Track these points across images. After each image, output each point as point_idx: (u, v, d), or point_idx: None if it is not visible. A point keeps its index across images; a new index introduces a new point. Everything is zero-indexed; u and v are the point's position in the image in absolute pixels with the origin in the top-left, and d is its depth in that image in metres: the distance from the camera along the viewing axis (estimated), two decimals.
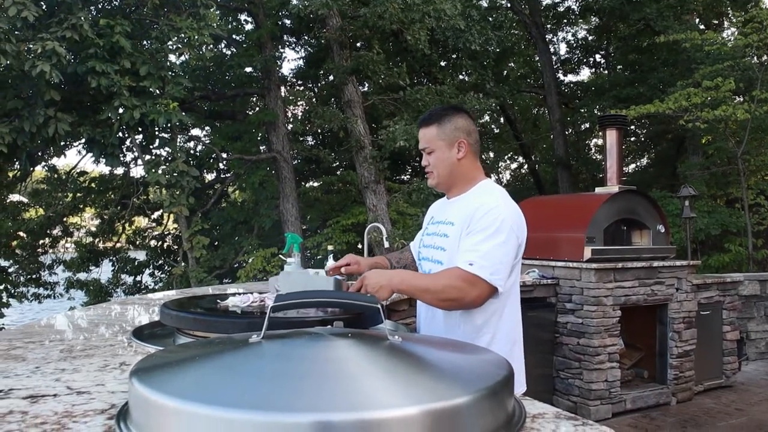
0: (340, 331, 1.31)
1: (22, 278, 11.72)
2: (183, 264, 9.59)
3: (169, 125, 8.42)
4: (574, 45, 16.63)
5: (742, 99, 9.43)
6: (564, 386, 4.96)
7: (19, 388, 1.38)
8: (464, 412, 0.94)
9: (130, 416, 1.06)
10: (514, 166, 20.33)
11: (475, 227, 1.77)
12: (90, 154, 8.90)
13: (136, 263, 12.31)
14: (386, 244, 4.29)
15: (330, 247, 3.88)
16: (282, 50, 13.06)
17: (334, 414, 0.87)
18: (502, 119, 17.00)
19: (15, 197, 12.15)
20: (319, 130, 12.57)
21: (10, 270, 11.52)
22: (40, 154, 9.75)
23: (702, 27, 12.20)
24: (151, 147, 9.81)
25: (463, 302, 1.73)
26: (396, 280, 1.76)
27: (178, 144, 9.52)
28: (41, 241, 11.81)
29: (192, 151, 12.09)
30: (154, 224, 12.89)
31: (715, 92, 8.04)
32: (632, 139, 16.29)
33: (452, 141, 1.89)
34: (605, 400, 4.76)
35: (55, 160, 11.04)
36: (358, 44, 10.90)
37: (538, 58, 15.32)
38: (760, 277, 6.68)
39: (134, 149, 9.56)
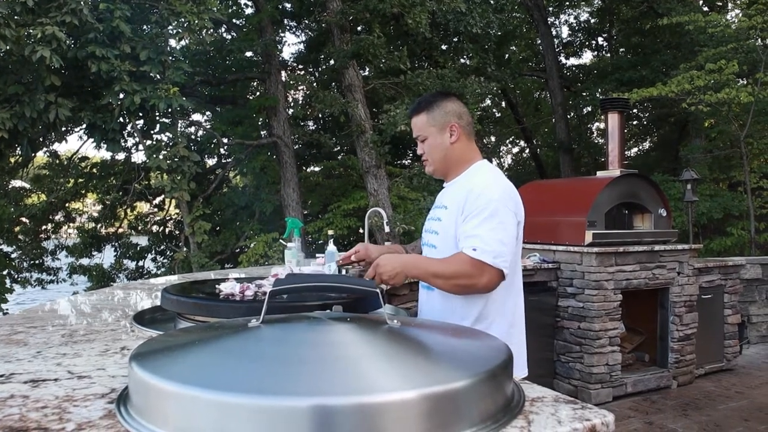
0: (339, 316, 1.31)
1: (25, 264, 11.78)
2: (185, 249, 9.61)
3: (169, 110, 8.39)
4: (577, 28, 16.52)
5: (745, 82, 9.35)
6: (565, 370, 4.98)
7: (20, 372, 1.39)
8: (462, 395, 0.95)
9: (130, 400, 1.07)
10: (515, 150, 20.30)
11: (470, 212, 1.76)
12: (91, 140, 8.87)
13: (138, 248, 12.35)
14: (387, 229, 4.29)
15: (330, 232, 3.88)
16: (282, 34, 13.00)
17: (332, 398, 0.87)
18: (503, 103, 16.92)
19: (17, 183, 12.16)
20: (320, 115, 12.52)
21: (13, 255, 11.57)
22: (41, 139, 9.73)
23: (705, 9, 12.08)
24: (152, 132, 9.78)
25: (475, 288, 1.73)
26: (410, 266, 1.76)
27: (178, 129, 9.50)
28: (44, 227, 11.84)
29: (193, 137, 12.06)
30: (155, 209, 12.90)
31: (719, 75, 7.98)
32: (634, 122, 16.22)
33: (443, 126, 1.89)
34: (606, 383, 4.78)
35: (56, 146, 11.06)
36: (359, 28, 10.82)
37: (539, 42, 15.21)
38: (762, 261, 6.68)
39: (135, 134, 9.54)
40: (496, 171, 1.91)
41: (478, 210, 1.75)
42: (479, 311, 1.83)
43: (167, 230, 12.68)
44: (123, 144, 9.71)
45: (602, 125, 14.21)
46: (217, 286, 2.00)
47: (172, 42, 9.28)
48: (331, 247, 3.01)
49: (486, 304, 1.83)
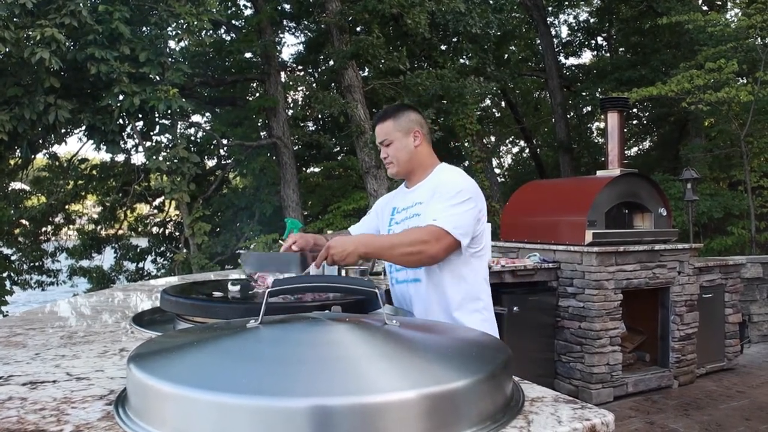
0: (337, 316, 1.31)
1: (25, 266, 11.77)
2: (185, 250, 9.61)
3: (169, 112, 8.38)
4: (576, 27, 16.51)
5: (745, 81, 9.35)
6: (565, 370, 4.98)
7: (18, 374, 1.39)
8: (462, 395, 0.94)
9: (129, 402, 1.06)
10: (515, 150, 20.30)
11: (439, 198, 1.89)
12: (90, 141, 8.87)
13: (138, 250, 12.34)
14: None
15: (330, 233, 3.87)
16: (281, 35, 13.00)
17: (332, 398, 0.87)
18: (503, 103, 16.91)
19: (17, 185, 12.16)
20: (320, 116, 12.51)
21: (13, 258, 11.56)
22: (40, 141, 9.73)
23: (705, 8, 12.08)
24: (151, 133, 9.78)
25: (426, 254, 1.81)
26: (361, 244, 1.81)
27: (178, 130, 9.50)
28: (43, 229, 11.83)
29: (192, 138, 12.05)
30: (155, 211, 12.89)
31: (718, 74, 7.97)
32: (634, 122, 16.21)
33: (408, 131, 2.04)
34: (607, 383, 4.78)
35: (56, 148, 11.03)
36: (358, 29, 10.82)
37: (539, 41, 15.20)
38: (762, 260, 6.68)
39: (135, 136, 9.54)
40: (460, 170, 2.05)
41: (443, 196, 1.88)
42: (464, 292, 1.94)
43: (167, 232, 12.67)
44: (123, 146, 9.71)
45: (602, 125, 14.21)
46: (231, 286, 2.04)
47: (172, 43, 9.30)
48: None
49: (469, 284, 1.95)
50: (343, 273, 2.31)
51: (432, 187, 1.97)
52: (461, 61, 11.64)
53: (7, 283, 11.01)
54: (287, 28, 13.16)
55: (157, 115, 8.86)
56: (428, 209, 1.90)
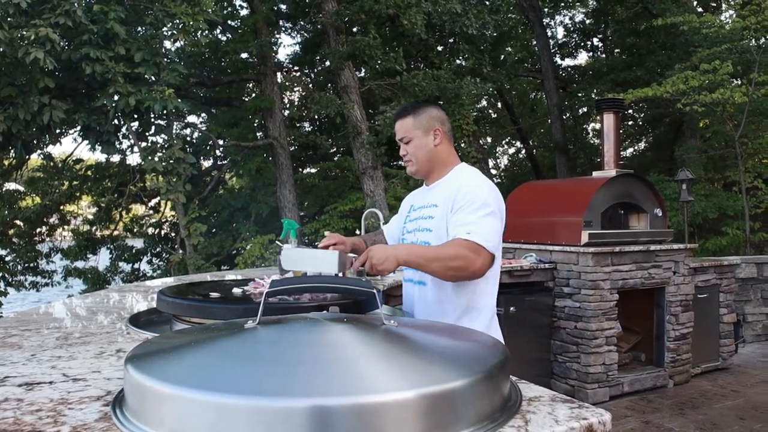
0: (335, 316, 1.31)
1: (19, 267, 11.70)
2: (181, 251, 9.59)
3: (164, 112, 8.37)
4: (572, 29, 16.56)
5: (739, 82, 9.39)
6: (561, 370, 4.99)
7: (14, 375, 1.38)
8: (460, 395, 0.94)
9: (126, 402, 1.06)
10: (511, 150, 20.33)
11: (461, 205, 1.85)
12: (85, 142, 8.84)
13: (133, 251, 12.30)
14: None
15: (327, 233, 3.87)
16: (278, 36, 12.97)
17: (330, 398, 0.87)
18: (499, 104, 16.95)
19: (11, 185, 12.09)
20: (316, 116, 12.52)
21: (7, 258, 11.51)
22: (35, 141, 9.69)
23: (700, 10, 12.13)
24: (147, 134, 9.75)
25: (468, 270, 1.78)
26: (402, 252, 1.79)
27: (174, 131, 9.48)
28: (38, 230, 11.78)
29: (188, 138, 12.04)
30: (151, 212, 12.86)
31: (713, 75, 8.01)
32: (630, 123, 16.26)
33: (428, 129, 2.00)
34: (603, 383, 4.79)
35: (50, 148, 11.00)
36: (354, 29, 10.82)
37: (535, 42, 15.24)
38: (756, 260, 6.71)
39: (130, 136, 9.51)
40: (479, 172, 2.01)
41: (469, 202, 1.84)
42: (468, 300, 1.90)
43: (163, 232, 12.64)
44: (118, 146, 9.67)
45: (598, 126, 14.25)
46: (235, 289, 2.03)
47: (167, 43, 9.27)
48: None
49: (474, 293, 1.91)
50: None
51: (450, 190, 1.91)
52: (457, 61, 11.66)
53: (1, 283, 10.97)
54: (283, 29, 13.15)
55: (152, 116, 8.84)
56: (454, 219, 1.85)
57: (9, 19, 7.26)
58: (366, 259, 1.76)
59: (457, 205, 1.86)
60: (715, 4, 12.96)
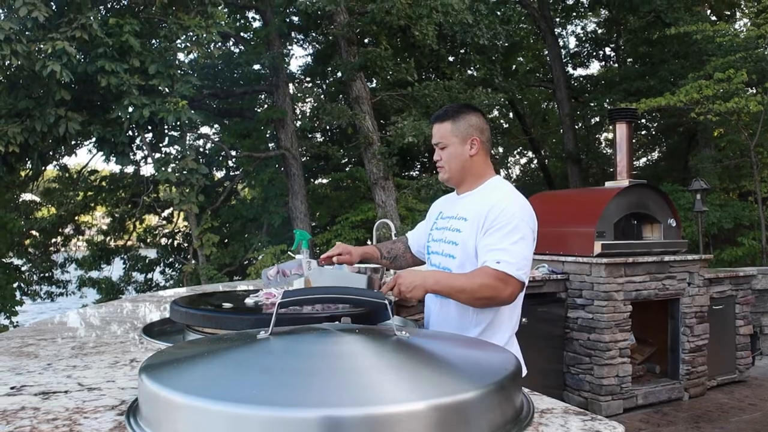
0: (347, 327, 1.31)
1: (35, 276, 11.85)
2: (193, 261, 9.65)
3: (178, 123, 8.45)
4: (584, 38, 16.52)
5: (754, 90, 9.32)
6: (575, 382, 4.94)
7: (31, 384, 1.40)
8: (471, 407, 0.94)
9: (140, 412, 1.07)
10: (523, 161, 20.26)
11: (492, 226, 1.80)
12: (100, 153, 8.97)
13: (146, 261, 12.40)
14: None
15: (338, 243, 3.87)
16: (290, 47, 13.08)
17: (342, 409, 0.87)
18: (511, 114, 16.93)
19: (27, 196, 12.27)
20: (328, 127, 12.58)
21: (23, 268, 11.63)
22: (51, 153, 9.83)
23: (714, 18, 12.08)
24: (160, 145, 9.86)
25: (497, 300, 1.77)
26: (430, 281, 1.77)
27: (187, 142, 9.56)
28: (53, 240, 11.92)
29: (201, 149, 12.13)
30: (164, 222, 12.97)
31: (727, 84, 7.95)
32: (643, 132, 16.18)
33: (466, 138, 1.93)
34: (616, 395, 4.74)
35: (66, 159, 11.15)
36: (366, 40, 10.90)
37: (547, 52, 15.22)
38: None
39: (144, 147, 9.61)
40: (513, 187, 1.95)
41: (500, 225, 1.79)
42: (490, 319, 1.87)
43: (176, 243, 12.73)
44: (132, 157, 9.79)
45: (610, 135, 14.20)
46: (247, 300, 2.06)
47: (181, 56, 9.38)
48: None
49: (497, 312, 1.87)
50: (346, 268, 2.21)
51: (483, 208, 1.84)
52: (469, 72, 11.70)
53: (18, 293, 11.08)
54: (295, 40, 13.26)
55: (166, 127, 8.94)
56: (484, 242, 1.80)
57: (27, 32, 7.38)
58: (394, 285, 1.74)
59: (488, 225, 1.81)
60: (729, 13, 12.91)
